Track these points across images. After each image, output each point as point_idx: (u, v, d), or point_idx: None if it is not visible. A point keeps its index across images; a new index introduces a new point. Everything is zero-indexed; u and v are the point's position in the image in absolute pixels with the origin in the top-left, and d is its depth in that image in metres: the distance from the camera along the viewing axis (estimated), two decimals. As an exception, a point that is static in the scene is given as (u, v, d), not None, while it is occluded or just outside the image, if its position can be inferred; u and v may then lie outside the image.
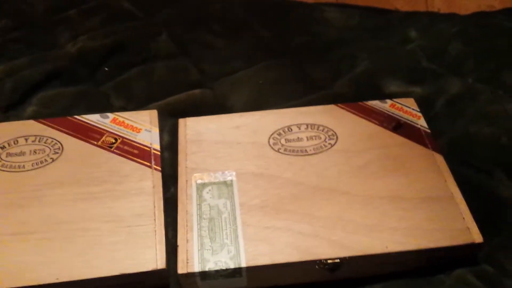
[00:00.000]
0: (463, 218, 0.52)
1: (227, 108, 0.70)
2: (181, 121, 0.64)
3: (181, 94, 0.72)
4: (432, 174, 0.56)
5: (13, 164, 0.57)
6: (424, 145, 0.60)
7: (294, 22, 0.85)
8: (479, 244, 0.50)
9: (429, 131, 0.61)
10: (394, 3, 0.94)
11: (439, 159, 0.58)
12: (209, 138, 0.61)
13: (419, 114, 0.63)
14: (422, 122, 0.62)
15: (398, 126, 0.62)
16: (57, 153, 0.59)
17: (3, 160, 0.58)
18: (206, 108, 0.69)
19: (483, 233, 0.51)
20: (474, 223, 0.52)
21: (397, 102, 0.65)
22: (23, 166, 0.57)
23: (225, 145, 0.61)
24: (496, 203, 0.57)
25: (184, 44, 0.80)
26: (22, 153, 0.58)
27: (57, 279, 0.48)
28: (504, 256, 0.52)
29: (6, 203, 0.54)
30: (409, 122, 0.62)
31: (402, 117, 0.63)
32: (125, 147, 0.59)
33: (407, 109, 0.64)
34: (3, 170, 0.57)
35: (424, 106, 0.66)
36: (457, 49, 0.77)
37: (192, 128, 0.63)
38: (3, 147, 0.59)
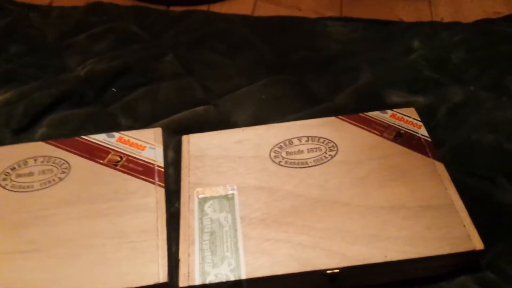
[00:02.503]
0: (464, 225, 0.52)
1: (230, 124, 0.71)
2: (185, 138, 0.65)
3: (185, 112, 0.73)
4: (433, 182, 0.56)
5: (23, 185, 0.59)
6: (425, 153, 0.60)
7: (296, 37, 0.86)
8: (480, 251, 0.50)
9: (430, 139, 0.61)
10: (399, 14, 0.95)
11: (440, 167, 0.58)
12: (212, 153, 0.63)
13: (420, 123, 0.64)
14: (423, 131, 0.63)
15: (399, 136, 0.62)
16: (65, 172, 0.60)
17: (13, 181, 0.60)
18: (210, 125, 0.70)
19: (485, 240, 0.51)
20: (475, 230, 0.51)
21: (398, 112, 0.65)
22: (32, 186, 0.59)
23: (227, 159, 0.62)
24: (498, 210, 0.57)
25: (189, 64, 0.82)
26: (31, 174, 0.60)
27: (63, 295, 0.49)
28: (506, 262, 0.52)
29: (14, 222, 0.56)
30: (409, 131, 0.63)
31: (402, 127, 0.63)
32: (130, 165, 0.61)
33: (408, 118, 0.64)
34: (13, 191, 0.59)
35: (426, 115, 0.66)
36: (460, 57, 0.77)
37: (195, 144, 0.64)
38: (13, 168, 0.61)
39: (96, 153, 0.62)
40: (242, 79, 0.79)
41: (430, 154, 0.59)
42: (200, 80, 0.79)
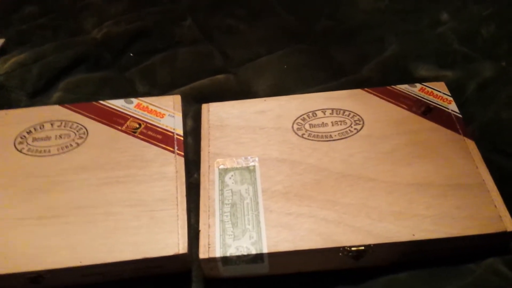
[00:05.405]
0: (495, 205, 0.50)
1: (251, 94, 0.69)
2: (204, 107, 0.63)
3: (204, 80, 0.71)
4: (463, 160, 0.54)
5: (39, 149, 0.58)
6: (455, 130, 0.57)
7: (319, 5, 0.83)
8: (511, 232, 0.48)
9: (460, 116, 0.59)
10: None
11: (471, 145, 0.56)
12: (232, 123, 0.61)
13: (450, 98, 0.61)
14: (453, 107, 0.60)
15: (428, 111, 0.60)
16: (82, 137, 0.59)
17: (29, 144, 0.58)
18: (230, 94, 0.68)
19: (516, 222, 0.49)
20: (507, 211, 0.49)
21: (427, 86, 0.63)
22: (49, 151, 0.58)
23: (248, 130, 0.60)
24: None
25: (208, 30, 0.79)
26: (47, 138, 0.59)
27: (81, 262, 0.48)
28: (538, 245, 0.50)
29: (31, 187, 0.54)
30: (439, 106, 0.60)
31: (432, 102, 0.61)
32: (149, 132, 0.59)
33: (438, 93, 0.62)
34: (29, 155, 0.57)
35: (455, 91, 0.64)
36: (490, 32, 0.74)
37: (215, 114, 0.62)
38: (29, 132, 0.60)
39: (114, 119, 0.61)
40: (263, 47, 0.76)
41: (460, 131, 0.57)
42: (219, 47, 0.76)
